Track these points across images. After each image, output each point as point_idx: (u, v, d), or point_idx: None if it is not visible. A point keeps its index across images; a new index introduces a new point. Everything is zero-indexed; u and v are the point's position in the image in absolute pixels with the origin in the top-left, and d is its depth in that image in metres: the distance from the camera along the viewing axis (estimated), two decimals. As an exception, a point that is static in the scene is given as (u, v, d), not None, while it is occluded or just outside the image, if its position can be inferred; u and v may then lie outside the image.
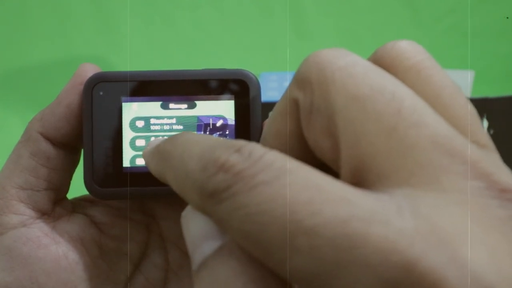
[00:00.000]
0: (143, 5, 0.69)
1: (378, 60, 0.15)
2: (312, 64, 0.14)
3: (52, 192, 0.23)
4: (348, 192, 0.12)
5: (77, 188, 0.25)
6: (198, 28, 0.70)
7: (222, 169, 0.12)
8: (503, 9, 0.72)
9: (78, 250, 0.23)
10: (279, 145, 0.16)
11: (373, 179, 0.13)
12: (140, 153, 0.23)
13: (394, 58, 0.15)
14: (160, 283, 0.25)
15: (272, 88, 0.65)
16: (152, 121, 0.23)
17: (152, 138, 0.23)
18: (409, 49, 0.15)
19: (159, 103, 0.23)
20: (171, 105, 0.23)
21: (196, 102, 0.23)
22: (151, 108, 0.23)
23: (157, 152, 0.16)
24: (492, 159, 0.13)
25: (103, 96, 0.23)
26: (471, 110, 0.14)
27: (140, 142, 0.23)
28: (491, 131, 0.58)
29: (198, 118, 0.23)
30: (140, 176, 0.23)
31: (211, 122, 0.23)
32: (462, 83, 0.64)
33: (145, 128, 0.23)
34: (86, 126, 0.23)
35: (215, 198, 0.12)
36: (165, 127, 0.23)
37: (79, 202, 0.25)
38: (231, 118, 0.23)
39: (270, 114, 0.17)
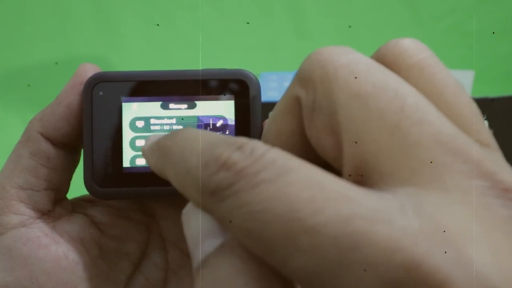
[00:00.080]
0: (143, 5, 0.69)
1: (381, 58, 0.15)
2: (314, 61, 0.14)
3: (52, 192, 0.23)
4: (351, 191, 0.12)
5: (77, 188, 0.25)
6: (198, 28, 0.70)
7: (224, 167, 0.12)
8: (503, 9, 0.72)
9: (78, 250, 0.23)
10: (280, 143, 0.16)
11: (375, 178, 0.13)
12: (140, 153, 0.23)
13: (397, 56, 0.15)
14: (160, 283, 0.25)
15: (272, 88, 0.65)
16: (152, 121, 0.23)
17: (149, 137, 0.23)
18: (412, 47, 0.15)
19: (159, 103, 0.23)
20: (171, 105, 0.23)
21: (196, 102, 0.23)
22: (151, 108, 0.23)
23: (157, 148, 0.16)
24: (495, 158, 0.13)
25: (103, 96, 0.23)
26: (474, 108, 0.14)
27: (140, 142, 0.23)
28: (491, 131, 0.58)
29: (198, 118, 0.23)
30: (140, 176, 0.23)
31: (211, 122, 0.23)
32: (462, 83, 0.64)
33: (145, 128, 0.23)
34: (86, 126, 0.23)
35: (217, 196, 0.12)
36: (165, 127, 0.23)
37: (79, 202, 0.25)
38: (231, 118, 0.23)
39: (271, 113, 0.17)
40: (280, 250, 0.11)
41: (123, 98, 0.23)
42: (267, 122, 0.17)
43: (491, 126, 0.58)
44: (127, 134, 0.23)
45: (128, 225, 0.25)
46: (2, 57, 0.67)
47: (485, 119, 0.58)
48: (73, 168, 0.24)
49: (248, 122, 0.23)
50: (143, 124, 0.23)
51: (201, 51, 0.69)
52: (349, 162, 0.13)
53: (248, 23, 0.59)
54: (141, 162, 0.23)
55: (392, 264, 0.10)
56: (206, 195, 0.13)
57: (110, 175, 0.23)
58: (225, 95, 0.23)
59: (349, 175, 0.13)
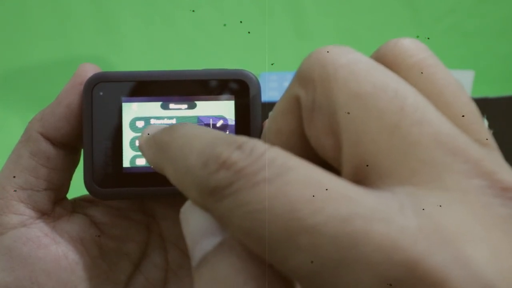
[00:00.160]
0: (143, 5, 0.69)
1: (381, 58, 0.15)
2: (314, 61, 0.14)
3: (52, 192, 0.23)
4: (350, 190, 0.12)
5: (77, 188, 0.25)
6: (198, 28, 0.70)
7: (224, 166, 0.12)
8: (503, 9, 0.72)
9: (78, 250, 0.23)
10: (280, 143, 0.16)
11: (375, 177, 0.13)
12: (141, 153, 0.23)
13: (397, 55, 0.15)
14: (160, 283, 0.25)
15: (272, 88, 0.65)
16: (152, 121, 0.23)
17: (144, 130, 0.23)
18: (411, 47, 0.15)
19: (159, 103, 0.23)
20: (171, 105, 0.23)
21: (196, 102, 0.23)
22: (151, 108, 0.23)
23: (154, 143, 0.16)
24: (494, 158, 0.13)
25: (103, 96, 0.23)
26: (473, 108, 0.14)
27: None
28: (491, 131, 0.58)
29: (198, 118, 0.23)
30: (140, 176, 0.23)
31: (211, 122, 0.23)
32: (462, 83, 0.64)
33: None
34: (86, 126, 0.23)
35: (217, 195, 0.12)
36: (165, 127, 0.23)
37: (79, 202, 0.25)
38: (231, 118, 0.23)
39: (271, 113, 0.17)
40: (279, 249, 0.11)
41: (123, 98, 0.23)
42: (267, 122, 0.17)
43: (491, 126, 0.58)
44: (127, 134, 0.23)
45: (128, 225, 0.25)
46: (2, 57, 0.67)
47: (485, 119, 0.58)
48: (73, 168, 0.24)
49: (248, 122, 0.23)
50: (143, 124, 0.23)
51: (201, 51, 0.69)
52: (349, 162, 0.13)
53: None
54: (141, 162, 0.23)
55: (391, 263, 0.10)
56: (205, 194, 0.13)
57: (110, 175, 0.23)
58: (225, 95, 0.23)
59: (349, 175, 0.13)
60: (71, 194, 0.25)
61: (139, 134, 0.23)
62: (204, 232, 0.13)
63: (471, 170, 0.12)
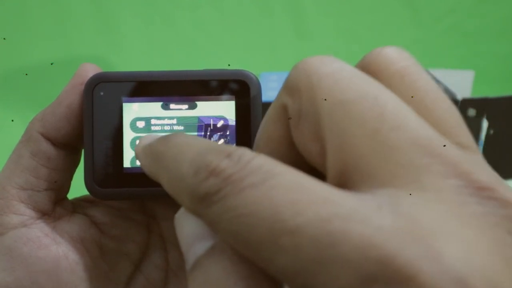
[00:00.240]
0: (143, 5, 0.69)
1: (365, 67, 0.16)
2: (300, 71, 0.15)
3: (52, 192, 0.23)
4: (332, 193, 0.12)
5: (77, 188, 0.25)
6: (198, 28, 0.70)
7: (213, 174, 0.13)
8: (503, 9, 0.72)
9: (79, 251, 0.23)
10: (270, 150, 0.16)
11: (357, 181, 0.13)
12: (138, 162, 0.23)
13: (380, 64, 0.16)
14: (160, 283, 0.25)
15: (272, 88, 0.65)
16: (153, 121, 0.23)
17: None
18: (394, 56, 0.16)
19: (160, 103, 0.23)
20: (172, 106, 0.23)
21: (197, 102, 0.23)
22: (151, 108, 0.23)
23: (150, 152, 0.16)
24: (473, 160, 0.14)
25: (103, 97, 0.23)
26: (455, 113, 0.15)
27: None
28: (491, 131, 0.58)
29: (199, 118, 0.23)
30: (141, 176, 0.23)
31: (211, 122, 0.23)
32: (462, 83, 0.64)
33: (145, 128, 0.23)
34: (86, 126, 0.23)
35: (207, 201, 0.13)
36: (166, 128, 0.23)
37: (79, 203, 0.25)
38: (231, 119, 0.23)
39: (263, 119, 0.17)
40: (264, 251, 0.12)
41: (123, 99, 0.23)
42: (259, 129, 0.18)
43: (491, 126, 0.58)
44: (128, 134, 0.23)
45: (129, 225, 0.25)
46: (2, 57, 0.67)
47: (485, 119, 0.58)
48: (74, 168, 0.24)
49: (248, 122, 0.23)
50: (144, 124, 0.23)
51: (201, 51, 0.69)
52: (333, 167, 0.14)
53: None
54: (141, 162, 0.23)
55: (367, 260, 0.11)
56: (196, 200, 0.13)
57: (110, 176, 0.23)
58: (225, 95, 0.23)
59: (333, 179, 0.14)
60: (71, 194, 0.25)
61: (139, 135, 0.23)
62: (196, 237, 0.14)
63: (448, 171, 0.13)
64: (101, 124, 0.23)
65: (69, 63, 0.66)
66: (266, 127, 0.17)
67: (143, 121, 0.23)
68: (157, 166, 0.16)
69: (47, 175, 0.23)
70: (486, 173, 0.13)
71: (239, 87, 0.23)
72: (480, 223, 0.12)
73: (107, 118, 0.23)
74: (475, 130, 0.58)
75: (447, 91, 0.59)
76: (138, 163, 0.23)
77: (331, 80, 0.14)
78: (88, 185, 0.23)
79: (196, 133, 0.23)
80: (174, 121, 0.23)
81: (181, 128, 0.23)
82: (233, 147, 0.14)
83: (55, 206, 0.24)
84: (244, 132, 0.23)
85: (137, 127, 0.23)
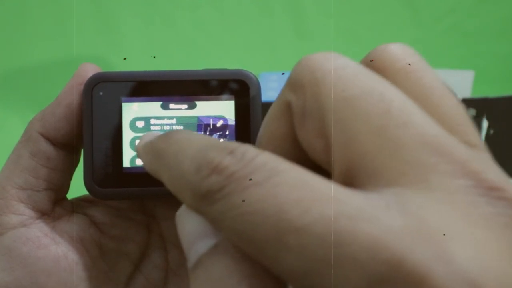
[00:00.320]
0: (143, 5, 0.69)
1: (370, 63, 0.16)
2: (304, 67, 0.15)
3: (52, 192, 0.23)
4: (337, 191, 0.12)
5: (77, 188, 0.25)
6: (198, 28, 0.70)
7: (216, 171, 0.13)
8: (503, 9, 0.72)
9: (78, 250, 0.23)
10: (273, 147, 0.16)
11: (363, 179, 0.13)
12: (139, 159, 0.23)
13: (385, 60, 0.15)
14: (160, 283, 0.25)
15: (272, 88, 0.65)
16: (152, 121, 0.23)
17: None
18: (399, 52, 0.16)
19: (159, 103, 0.23)
20: (171, 106, 0.23)
21: (196, 102, 0.23)
22: (151, 108, 0.23)
23: (151, 150, 0.16)
24: (481, 158, 0.13)
25: (103, 96, 0.23)
26: (461, 110, 0.15)
27: None
28: (491, 131, 0.58)
29: (198, 118, 0.23)
30: (140, 176, 0.23)
31: (211, 122, 0.23)
32: (462, 83, 0.64)
33: (145, 128, 0.23)
34: (86, 126, 0.23)
35: (209, 199, 0.13)
36: (165, 128, 0.23)
37: (79, 202, 0.25)
38: (231, 118, 0.23)
39: (265, 116, 0.17)
40: (269, 250, 0.12)
41: (123, 98, 0.23)
42: (261, 126, 0.18)
43: (491, 126, 0.58)
44: (127, 134, 0.23)
45: (128, 225, 0.25)
46: (2, 57, 0.67)
47: (485, 119, 0.58)
48: (73, 168, 0.24)
49: (248, 122, 0.23)
50: (143, 124, 0.23)
51: (201, 51, 0.69)
52: (338, 165, 0.13)
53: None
54: (141, 162, 0.23)
55: (376, 261, 0.11)
56: (198, 198, 0.13)
57: (110, 175, 0.23)
58: (225, 95, 0.23)
59: (338, 177, 0.14)
60: (71, 194, 0.25)
61: (139, 134, 0.23)
62: (198, 235, 0.14)
63: (456, 170, 0.12)
64: (101, 124, 0.23)
65: (69, 63, 0.66)
66: (269, 124, 0.16)
67: (143, 121, 0.23)
68: (158, 164, 0.16)
69: (47, 175, 0.23)
70: (494, 173, 0.13)
71: (238, 87, 0.23)
72: (490, 224, 0.12)
73: (107, 118, 0.23)
74: (475, 130, 0.58)
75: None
76: (137, 162, 0.23)
77: (335, 76, 0.14)
78: (87, 185, 0.23)
79: (195, 133, 0.23)
80: (174, 121, 0.23)
81: (181, 128, 0.23)
82: (235, 143, 0.13)
83: (55, 206, 0.24)
84: (243, 132, 0.23)
85: (137, 127, 0.23)
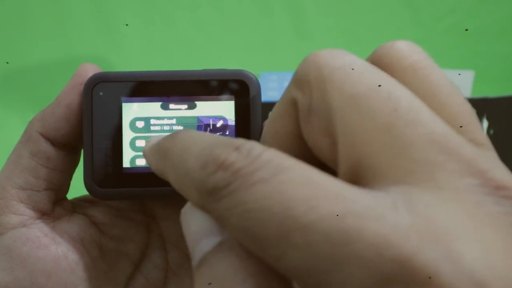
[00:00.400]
0: (143, 5, 0.69)
1: (376, 60, 0.16)
2: (310, 64, 0.14)
3: (52, 192, 0.23)
4: (344, 189, 0.12)
5: (77, 188, 0.25)
6: (198, 28, 0.70)
7: (221, 167, 0.13)
8: (503, 9, 0.72)
9: (78, 251, 0.23)
10: (278, 145, 0.16)
11: (370, 177, 0.13)
12: (140, 153, 0.23)
13: (392, 58, 0.15)
14: (160, 284, 0.25)
15: (272, 88, 0.65)
16: (152, 121, 0.23)
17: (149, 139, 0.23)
18: (406, 49, 0.15)
19: (159, 103, 0.23)
20: (171, 106, 0.23)
21: (196, 102, 0.23)
22: (151, 108, 0.23)
23: (157, 150, 0.16)
24: (488, 157, 0.13)
25: (103, 96, 0.23)
26: (468, 109, 0.15)
27: (140, 143, 0.23)
28: (491, 131, 0.58)
29: (198, 118, 0.23)
30: (140, 176, 0.23)
31: (211, 122, 0.23)
32: (462, 83, 0.64)
33: (145, 128, 0.23)
34: (86, 126, 0.23)
35: (214, 195, 0.13)
36: (165, 128, 0.23)
37: (79, 203, 0.25)
38: (231, 119, 0.23)
39: (270, 114, 0.17)
40: (275, 247, 0.12)
41: (123, 98, 0.23)
42: (266, 124, 0.17)
43: (491, 126, 0.58)
44: (127, 135, 0.23)
45: (128, 225, 0.25)
46: (2, 57, 0.67)
47: (485, 119, 0.58)
48: (73, 168, 0.24)
49: (248, 122, 0.23)
50: (143, 124, 0.23)
51: (201, 51, 0.69)
52: (344, 163, 0.13)
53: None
54: (141, 162, 0.23)
55: (383, 259, 0.11)
56: (204, 195, 0.13)
57: (110, 176, 0.23)
58: (225, 95, 0.23)
59: (345, 175, 0.13)
60: (71, 194, 0.25)
61: (139, 134, 0.23)
62: (204, 233, 0.14)
63: (464, 169, 0.12)
64: (101, 124, 0.23)
65: (69, 63, 0.66)
66: (274, 122, 0.16)
67: (143, 121, 0.23)
68: (163, 163, 0.16)
69: (47, 175, 0.23)
70: (501, 172, 0.13)
71: (238, 87, 0.23)
72: (496, 223, 0.12)
73: (107, 118, 0.23)
74: (475, 130, 0.58)
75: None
76: (137, 162, 0.23)
77: (342, 73, 0.14)
78: (87, 185, 0.23)
79: (195, 133, 0.23)
80: (174, 121, 0.23)
81: (181, 128, 0.23)
82: (241, 140, 0.13)
83: (55, 206, 0.24)
84: (243, 132, 0.23)
85: (137, 127, 0.23)
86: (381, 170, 0.13)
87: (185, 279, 0.25)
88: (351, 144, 0.13)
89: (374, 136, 0.13)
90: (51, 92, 0.29)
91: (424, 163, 0.12)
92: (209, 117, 0.23)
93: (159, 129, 0.23)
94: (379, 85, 0.13)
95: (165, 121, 0.23)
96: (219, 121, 0.23)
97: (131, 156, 0.23)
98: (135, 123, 0.23)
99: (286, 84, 0.65)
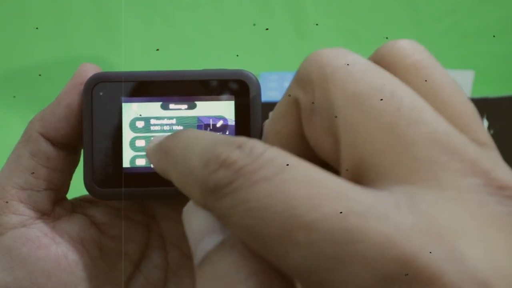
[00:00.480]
0: (143, 5, 0.69)
1: (379, 59, 0.16)
2: (313, 63, 0.14)
3: (52, 192, 0.23)
4: (347, 188, 0.12)
5: (77, 188, 0.25)
6: (198, 28, 0.70)
7: (224, 165, 0.13)
8: (503, 9, 0.72)
9: (78, 251, 0.23)
10: (280, 144, 0.16)
11: (372, 177, 0.13)
12: (140, 153, 0.23)
13: (394, 56, 0.15)
14: (160, 284, 0.25)
15: (272, 88, 0.65)
16: (152, 121, 0.23)
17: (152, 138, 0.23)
18: (408, 48, 0.15)
19: (159, 103, 0.23)
20: (171, 106, 0.23)
21: (196, 102, 0.23)
22: (151, 108, 0.23)
23: (159, 149, 0.16)
24: (491, 157, 0.13)
25: (103, 96, 0.23)
26: (471, 108, 0.15)
27: (140, 143, 0.23)
28: (491, 131, 0.58)
29: (198, 118, 0.23)
30: (140, 176, 0.23)
31: (211, 122, 0.23)
32: (462, 83, 0.64)
33: (145, 128, 0.23)
34: (86, 126, 0.23)
35: (217, 193, 0.13)
36: (165, 128, 0.23)
37: (79, 202, 0.25)
38: (231, 119, 0.23)
39: (271, 114, 0.17)
40: (277, 246, 0.12)
41: (123, 98, 0.23)
42: (267, 123, 0.17)
43: (491, 126, 0.58)
44: (127, 134, 0.23)
45: (128, 225, 0.25)
46: (2, 57, 0.67)
47: (485, 119, 0.58)
48: (73, 168, 0.24)
49: (248, 122, 0.23)
50: (143, 124, 0.23)
51: (201, 51, 0.69)
52: (347, 162, 0.13)
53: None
54: (141, 162, 0.23)
55: (386, 259, 0.11)
56: (206, 193, 0.13)
57: (110, 176, 0.23)
58: (225, 95, 0.23)
59: (347, 174, 0.13)
60: (71, 194, 0.25)
61: (139, 134, 0.23)
62: (206, 231, 0.14)
63: (467, 169, 0.12)
64: (101, 124, 0.23)
65: (69, 63, 0.66)
66: (276, 121, 0.16)
67: (143, 121, 0.23)
68: (166, 162, 0.15)
69: (47, 175, 0.23)
70: (504, 171, 0.13)
71: (238, 87, 0.23)
72: (500, 223, 0.12)
73: (107, 118, 0.23)
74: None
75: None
76: (137, 162, 0.23)
77: (344, 72, 0.14)
78: (87, 185, 0.23)
79: (195, 133, 0.23)
80: (174, 121, 0.23)
81: (181, 128, 0.23)
82: (244, 138, 0.13)
83: (55, 206, 0.24)
84: (243, 132, 0.23)
85: (137, 127, 0.23)
86: (383, 169, 0.13)
87: (185, 279, 0.25)
88: (354, 143, 0.13)
89: (377, 135, 0.13)
90: (51, 92, 0.29)
91: (426, 162, 0.12)
92: (209, 117, 0.23)
93: (159, 129, 0.23)
94: (382, 84, 0.13)
95: (165, 121, 0.23)
96: (219, 121, 0.23)
97: (131, 156, 0.23)
98: (135, 123, 0.23)
99: (286, 84, 0.65)
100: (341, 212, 0.11)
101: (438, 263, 0.10)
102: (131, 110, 0.23)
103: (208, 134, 0.15)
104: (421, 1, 0.72)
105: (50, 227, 0.23)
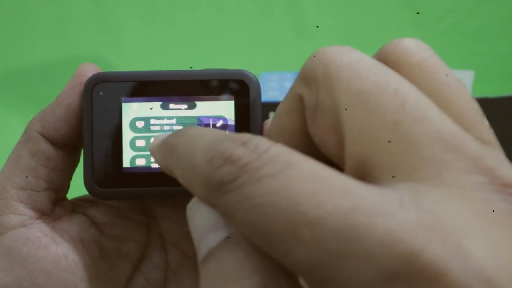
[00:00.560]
0: (143, 5, 0.69)
1: (383, 58, 0.16)
2: (317, 60, 0.14)
3: (52, 192, 0.23)
4: (351, 185, 0.12)
5: (77, 188, 0.25)
6: (198, 28, 0.70)
7: (228, 162, 0.13)
8: (503, 9, 0.72)
9: (78, 250, 0.23)
10: (284, 142, 0.16)
11: (376, 174, 0.13)
12: (140, 153, 0.23)
13: (399, 55, 0.15)
14: (160, 284, 0.25)
15: (272, 88, 0.65)
16: (152, 121, 0.23)
17: (152, 139, 0.23)
18: (413, 47, 0.15)
19: (159, 103, 0.23)
20: (171, 106, 0.23)
21: (196, 102, 0.23)
22: (151, 108, 0.23)
23: (164, 146, 0.16)
24: (495, 155, 0.13)
25: (103, 96, 0.23)
26: (475, 106, 0.15)
27: (140, 143, 0.23)
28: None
29: (198, 118, 0.23)
30: (140, 176, 0.23)
31: (211, 122, 0.23)
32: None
33: (145, 128, 0.23)
34: (86, 126, 0.23)
35: (221, 190, 0.13)
36: (165, 128, 0.23)
37: (79, 202, 0.25)
38: (231, 119, 0.23)
39: (272, 114, 0.17)
40: (282, 243, 0.12)
41: (123, 98, 0.23)
42: (271, 120, 0.17)
43: (491, 126, 0.58)
44: (127, 134, 0.23)
45: (128, 225, 0.25)
46: (2, 57, 0.67)
47: (485, 119, 0.58)
48: (73, 168, 0.24)
49: (248, 122, 0.23)
50: (143, 124, 0.23)
51: (201, 51, 0.69)
52: (351, 159, 0.13)
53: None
54: (141, 162, 0.23)
55: (392, 256, 0.11)
56: (210, 189, 0.13)
57: (110, 176, 0.23)
58: (225, 95, 0.23)
59: (351, 172, 0.13)
60: (71, 194, 0.25)
61: (139, 134, 0.23)
62: (210, 228, 0.14)
63: (471, 167, 0.12)
64: (101, 124, 0.23)
65: (69, 63, 0.66)
66: (280, 118, 0.16)
67: (143, 121, 0.23)
68: (170, 159, 0.15)
69: (47, 175, 0.23)
70: (508, 169, 0.13)
71: (238, 87, 0.23)
72: (504, 221, 0.12)
73: (107, 118, 0.23)
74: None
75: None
76: (137, 162, 0.23)
77: (349, 70, 0.14)
78: (87, 185, 0.23)
79: (195, 133, 0.23)
80: (174, 121, 0.23)
81: (181, 128, 0.23)
82: (248, 135, 0.13)
83: (55, 206, 0.24)
84: (243, 132, 0.23)
85: (137, 127, 0.23)
86: (387, 167, 0.13)
87: (185, 279, 0.25)
88: (358, 141, 0.13)
89: (381, 132, 0.13)
90: (51, 92, 0.29)
91: (431, 160, 0.12)
92: (209, 117, 0.23)
93: (159, 129, 0.23)
94: (387, 82, 0.13)
95: (165, 121, 0.23)
96: (219, 121, 0.23)
97: (131, 156, 0.23)
98: (135, 123, 0.23)
99: (286, 84, 0.65)
100: (345, 209, 0.11)
101: (443, 260, 0.10)
102: (131, 110, 0.23)
103: (212, 131, 0.15)
104: (421, 1, 0.72)
105: (50, 227, 0.23)
